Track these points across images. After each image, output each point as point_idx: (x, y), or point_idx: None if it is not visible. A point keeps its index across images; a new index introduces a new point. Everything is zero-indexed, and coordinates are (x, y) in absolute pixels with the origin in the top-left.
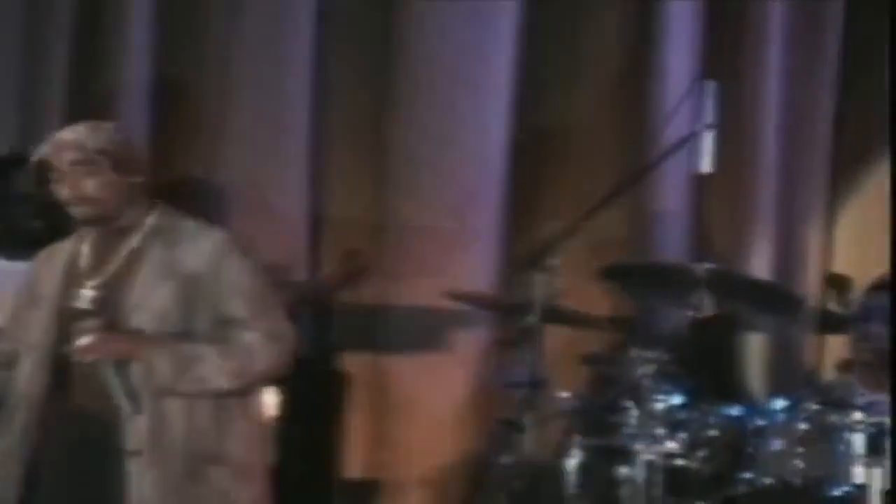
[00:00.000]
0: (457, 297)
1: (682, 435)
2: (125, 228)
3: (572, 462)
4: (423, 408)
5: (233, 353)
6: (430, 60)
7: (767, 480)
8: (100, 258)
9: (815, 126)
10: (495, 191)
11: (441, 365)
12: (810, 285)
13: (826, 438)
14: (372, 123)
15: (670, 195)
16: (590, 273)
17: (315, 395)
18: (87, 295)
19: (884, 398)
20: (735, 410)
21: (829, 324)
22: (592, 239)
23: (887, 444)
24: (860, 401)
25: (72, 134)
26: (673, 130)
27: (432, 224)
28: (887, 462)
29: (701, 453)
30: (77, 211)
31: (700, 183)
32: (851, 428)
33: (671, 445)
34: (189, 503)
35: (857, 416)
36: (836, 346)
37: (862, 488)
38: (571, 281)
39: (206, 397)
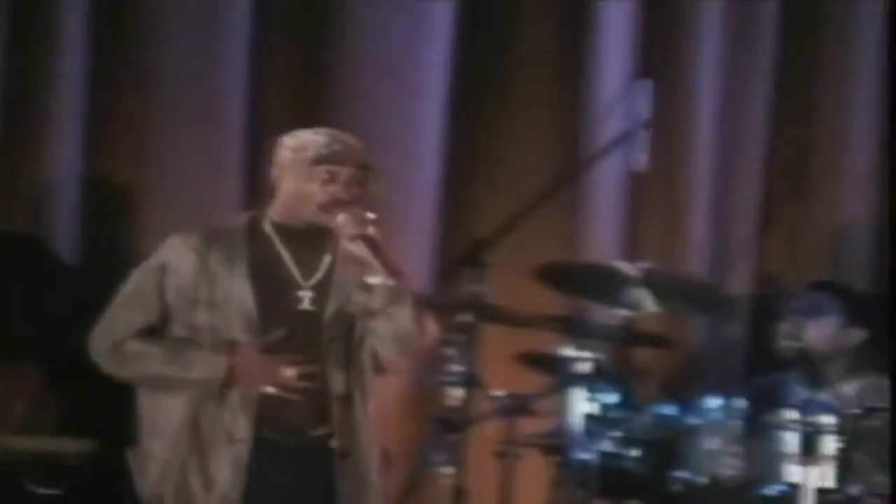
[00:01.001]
0: None
1: (617, 434)
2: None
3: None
4: None
5: None
6: (365, 59)
7: (702, 479)
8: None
9: (751, 124)
10: (431, 189)
11: None
12: (745, 284)
13: (760, 437)
14: (307, 121)
15: (606, 193)
16: (525, 272)
17: None
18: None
19: (819, 396)
20: (670, 409)
21: (764, 322)
22: (528, 237)
23: (821, 443)
24: (795, 399)
25: (355, 140)
26: (609, 129)
27: None
28: (821, 460)
29: (636, 452)
30: (326, 217)
31: (635, 181)
32: (786, 426)
33: (606, 444)
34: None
35: (792, 414)
36: (768, 344)
37: (796, 487)
38: (507, 279)
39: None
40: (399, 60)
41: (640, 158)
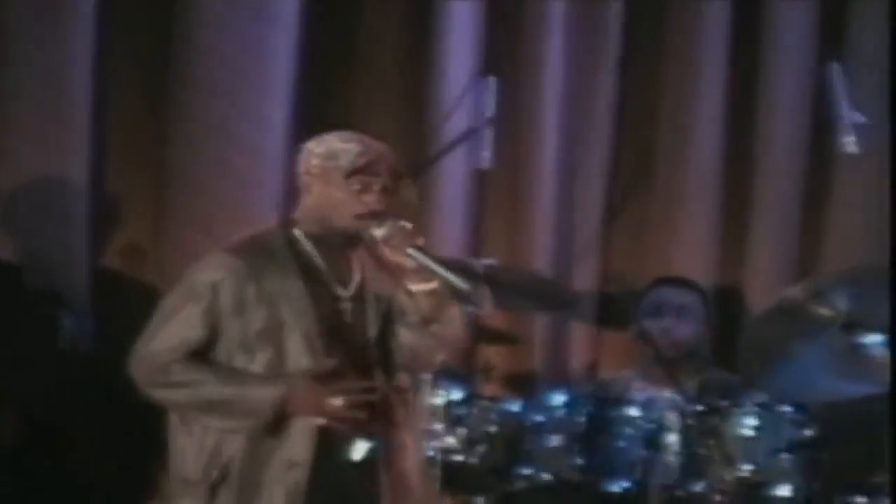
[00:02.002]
0: None
1: (461, 430)
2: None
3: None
4: None
5: None
6: (210, 54)
7: (546, 476)
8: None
9: (596, 120)
10: (275, 184)
11: None
12: (589, 281)
13: (604, 434)
14: (153, 116)
15: (451, 191)
16: None
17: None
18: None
19: (662, 394)
20: (513, 406)
21: (610, 318)
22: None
23: (665, 440)
24: (638, 396)
25: (385, 148)
26: (453, 126)
27: (212, 216)
28: (664, 457)
29: (479, 448)
30: (362, 227)
31: (480, 178)
32: (629, 423)
33: (449, 440)
34: None
35: (635, 411)
36: (615, 342)
37: (640, 484)
38: None
39: None
40: (244, 56)
41: (485, 155)
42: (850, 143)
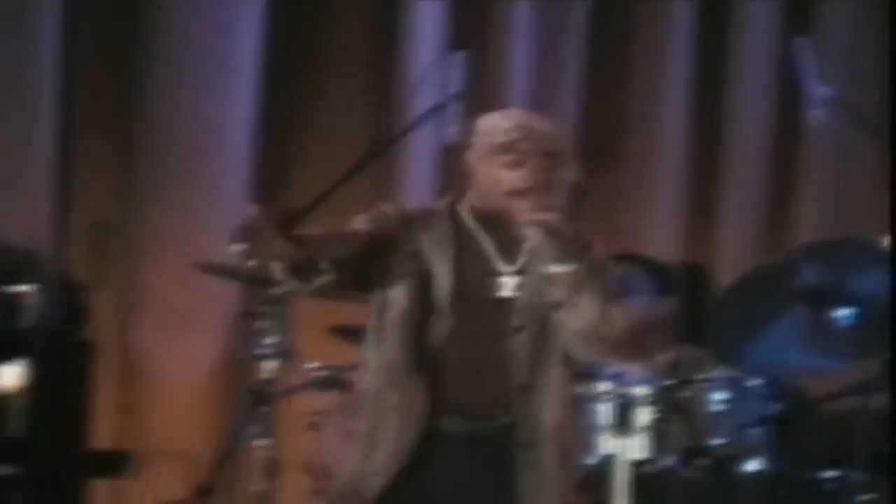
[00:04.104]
0: (205, 268)
1: None
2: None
3: None
4: (171, 379)
5: None
6: (177, 35)
7: None
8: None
9: (564, 96)
10: (243, 164)
11: (190, 336)
12: None
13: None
14: (120, 98)
15: (419, 166)
16: None
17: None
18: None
19: (632, 369)
20: None
21: None
22: (340, 210)
23: (635, 414)
24: (607, 371)
25: (544, 125)
26: (421, 101)
27: (181, 197)
28: (635, 432)
29: None
30: (512, 204)
31: (448, 153)
32: (599, 398)
33: None
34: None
35: (605, 386)
36: None
37: (611, 458)
38: None
39: None
40: (211, 36)
41: (453, 130)
42: (817, 118)
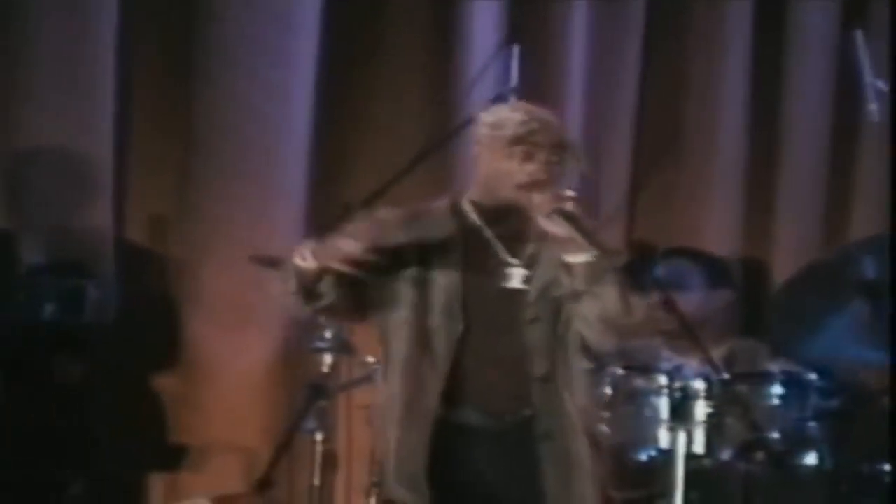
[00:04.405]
0: (261, 261)
1: None
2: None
3: None
4: (229, 372)
5: None
6: (235, 29)
7: None
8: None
9: (621, 91)
10: (301, 159)
11: (247, 329)
12: None
13: (631, 403)
14: (178, 92)
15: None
16: None
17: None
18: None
19: (689, 362)
20: None
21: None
22: (399, 204)
23: (691, 408)
24: (664, 365)
25: (553, 117)
26: (479, 95)
27: (237, 191)
28: (691, 426)
29: None
30: (524, 197)
31: None
32: (656, 392)
33: None
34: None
35: (662, 380)
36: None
37: (666, 452)
38: None
39: None
40: (268, 31)
41: None
42: (874, 112)
